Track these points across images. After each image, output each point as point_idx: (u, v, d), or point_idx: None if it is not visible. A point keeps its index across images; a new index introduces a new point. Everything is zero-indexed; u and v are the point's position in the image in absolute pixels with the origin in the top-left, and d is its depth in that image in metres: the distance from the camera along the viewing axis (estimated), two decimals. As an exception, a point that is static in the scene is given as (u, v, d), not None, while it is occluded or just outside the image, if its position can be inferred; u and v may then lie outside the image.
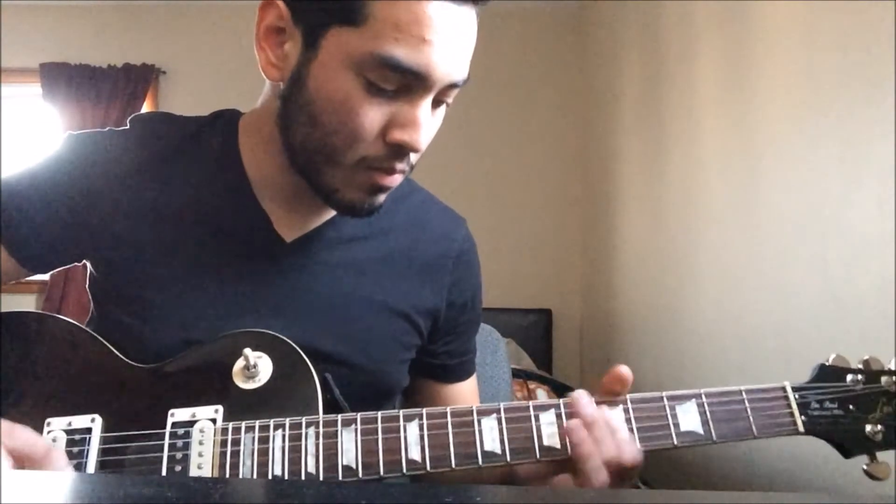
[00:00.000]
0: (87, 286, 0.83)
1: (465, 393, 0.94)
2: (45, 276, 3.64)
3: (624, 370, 0.69)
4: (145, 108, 3.73)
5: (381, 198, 0.75)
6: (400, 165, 0.72)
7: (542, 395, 2.53)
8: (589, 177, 3.53)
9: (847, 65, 1.40)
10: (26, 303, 3.62)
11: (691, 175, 2.23)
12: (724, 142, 2.00)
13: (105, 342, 0.75)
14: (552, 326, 3.59)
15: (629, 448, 0.66)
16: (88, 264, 0.82)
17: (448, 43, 0.66)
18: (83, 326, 0.77)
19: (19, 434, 0.62)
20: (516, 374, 2.44)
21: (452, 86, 0.70)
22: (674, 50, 2.40)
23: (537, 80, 3.78)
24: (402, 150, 0.70)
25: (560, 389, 2.59)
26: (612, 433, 0.66)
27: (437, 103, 0.71)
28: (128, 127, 0.83)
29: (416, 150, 0.70)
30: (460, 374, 0.94)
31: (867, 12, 1.33)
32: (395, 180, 0.74)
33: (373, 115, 0.68)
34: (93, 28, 3.79)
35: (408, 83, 0.67)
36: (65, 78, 3.66)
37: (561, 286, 3.66)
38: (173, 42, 3.80)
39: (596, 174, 3.39)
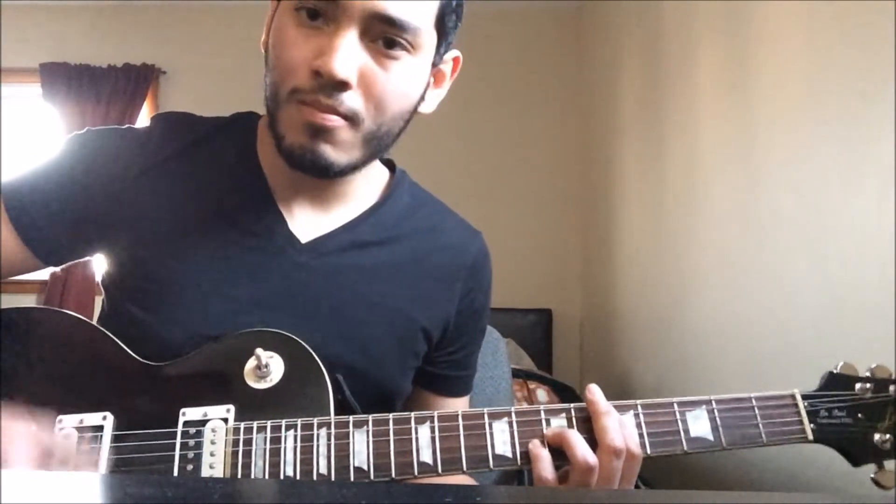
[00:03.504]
0: (99, 281, 0.83)
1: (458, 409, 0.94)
2: (45, 276, 3.63)
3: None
4: (145, 108, 3.73)
5: (324, 147, 0.72)
6: (326, 101, 0.70)
7: (541, 395, 2.53)
8: (589, 177, 3.53)
9: (847, 65, 1.40)
10: (26, 302, 3.60)
11: (691, 175, 2.23)
12: (724, 142, 2.00)
13: (116, 339, 0.75)
14: (552, 326, 3.59)
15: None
16: (104, 259, 0.82)
17: None
18: (94, 323, 0.77)
19: (29, 434, 0.63)
20: (516, 374, 2.44)
21: (389, 22, 0.69)
22: (674, 50, 2.40)
23: (537, 80, 3.78)
24: (323, 80, 0.69)
25: (560, 389, 2.59)
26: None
27: (388, 45, 0.71)
28: (149, 124, 0.84)
29: (331, 78, 0.68)
30: (457, 389, 0.93)
31: (867, 12, 1.33)
32: (328, 120, 0.71)
33: (301, 46, 0.70)
34: (93, 28, 3.78)
35: (327, 9, 0.69)
36: (65, 78, 3.65)
37: (561, 286, 3.66)
38: (173, 42, 3.80)
39: (596, 174, 3.39)
